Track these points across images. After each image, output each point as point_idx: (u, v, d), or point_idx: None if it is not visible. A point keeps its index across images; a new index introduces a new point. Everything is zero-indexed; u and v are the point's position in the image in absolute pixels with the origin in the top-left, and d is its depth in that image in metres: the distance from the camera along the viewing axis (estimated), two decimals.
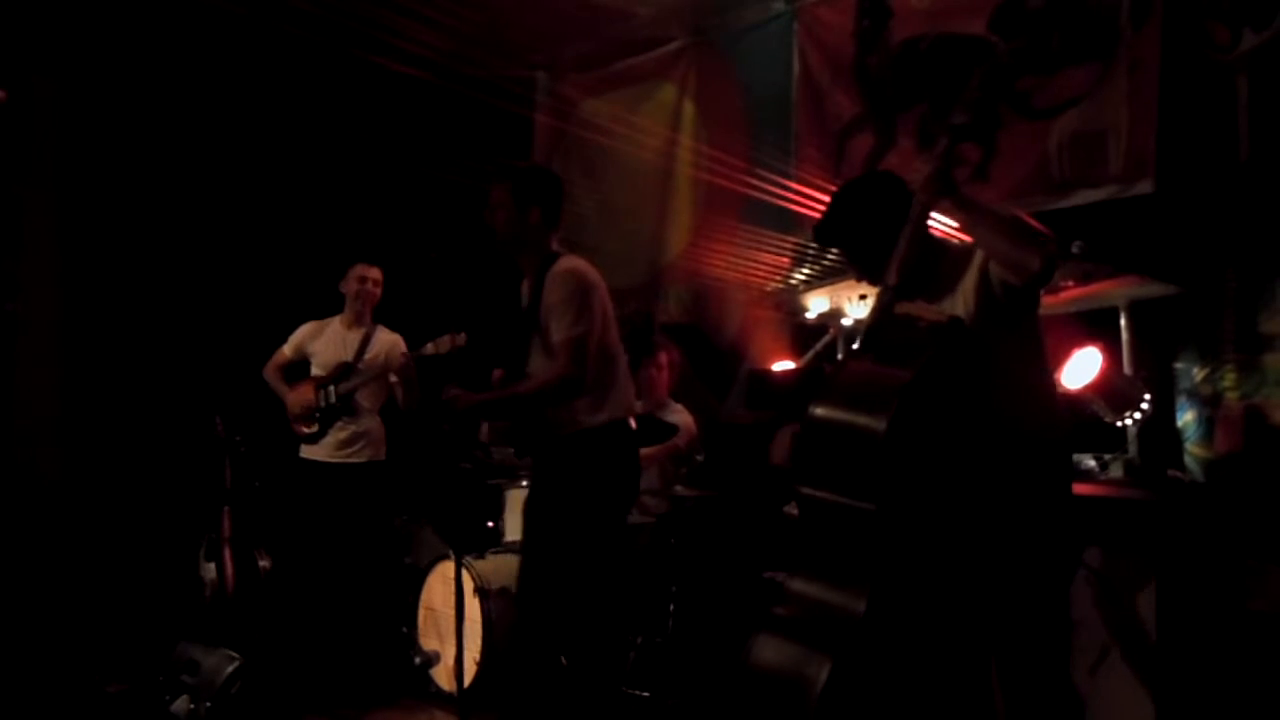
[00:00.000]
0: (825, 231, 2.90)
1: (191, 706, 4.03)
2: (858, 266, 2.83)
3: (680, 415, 4.89)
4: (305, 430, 4.87)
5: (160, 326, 5.47)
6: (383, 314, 5.01)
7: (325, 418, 4.83)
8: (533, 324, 3.46)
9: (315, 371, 4.94)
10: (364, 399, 4.86)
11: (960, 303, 2.61)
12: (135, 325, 5.47)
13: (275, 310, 5.24)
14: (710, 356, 5.37)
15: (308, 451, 4.89)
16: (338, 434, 4.84)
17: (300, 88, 5.47)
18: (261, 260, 5.64)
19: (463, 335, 4.15)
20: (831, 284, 4.64)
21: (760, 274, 5.14)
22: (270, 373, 5.02)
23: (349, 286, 4.96)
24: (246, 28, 4.86)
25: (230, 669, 4.05)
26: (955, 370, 2.38)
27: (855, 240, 2.79)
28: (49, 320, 5.39)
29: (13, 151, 5.27)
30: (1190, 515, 3.26)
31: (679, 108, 5.65)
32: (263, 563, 5.13)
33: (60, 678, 4.47)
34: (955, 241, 2.77)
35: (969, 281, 2.60)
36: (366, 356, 4.85)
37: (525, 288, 3.62)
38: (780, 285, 5.12)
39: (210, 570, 5.14)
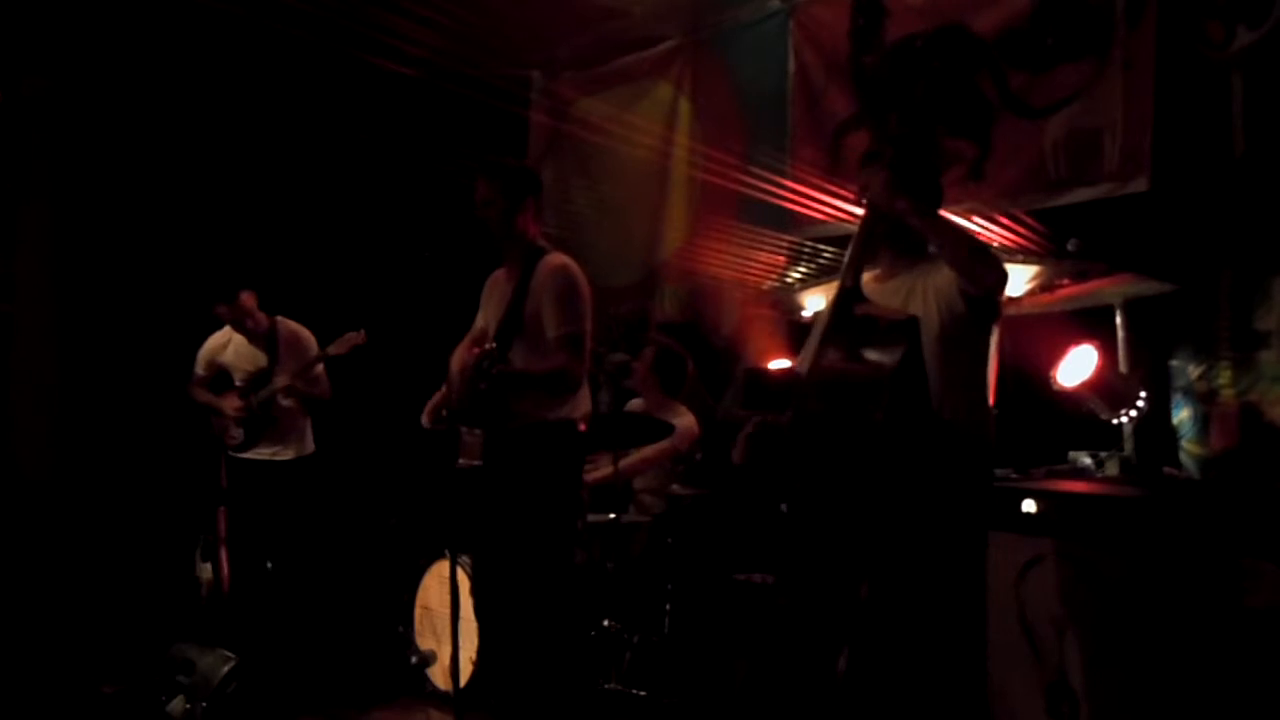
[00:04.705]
0: None
1: (187, 706, 4.03)
2: None
3: (682, 417, 4.86)
4: (233, 439, 4.89)
5: (155, 327, 5.45)
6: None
7: (250, 426, 4.86)
8: (518, 314, 3.49)
9: (237, 382, 4.95)
10: (282, 399, 4.87)
11: (927, 302, 2.72)
12: (130, 326, 5.46)
13: (270, 309, 5.23)
14: (706, 355, 5.36)
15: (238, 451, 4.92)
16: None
17: (295, 87, 5.46)
18: (256, 260, 5.62)
19: (362, 334, 4.65)
20: (827, 282, 4.63)
21: (756, 272, 5.14)
22: (194, 391, 5.03)
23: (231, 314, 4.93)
24: (241, 27, 4.85)
25: (226, 669, 4.05)
26: (917, 363, 2.55)
27: None
28: (43, 321, 5.38)
29: (6, 153, 5.26)
30: (1186, 512, 3.26)
31: (674, 106, 5.65)
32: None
33: (56, 678, 4.46)
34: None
35: (936, 282, 2.71)
36: (280, 357, 4.87)
37: (500, 279, 3.67)
38: (776, 284, 5.12)
39: (206, 570, 5.14)
